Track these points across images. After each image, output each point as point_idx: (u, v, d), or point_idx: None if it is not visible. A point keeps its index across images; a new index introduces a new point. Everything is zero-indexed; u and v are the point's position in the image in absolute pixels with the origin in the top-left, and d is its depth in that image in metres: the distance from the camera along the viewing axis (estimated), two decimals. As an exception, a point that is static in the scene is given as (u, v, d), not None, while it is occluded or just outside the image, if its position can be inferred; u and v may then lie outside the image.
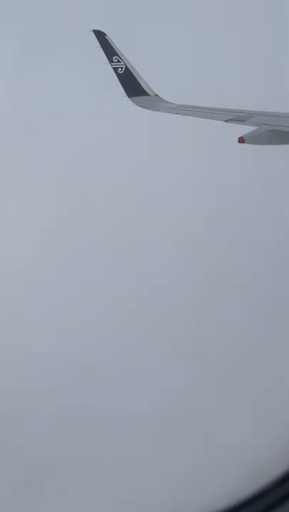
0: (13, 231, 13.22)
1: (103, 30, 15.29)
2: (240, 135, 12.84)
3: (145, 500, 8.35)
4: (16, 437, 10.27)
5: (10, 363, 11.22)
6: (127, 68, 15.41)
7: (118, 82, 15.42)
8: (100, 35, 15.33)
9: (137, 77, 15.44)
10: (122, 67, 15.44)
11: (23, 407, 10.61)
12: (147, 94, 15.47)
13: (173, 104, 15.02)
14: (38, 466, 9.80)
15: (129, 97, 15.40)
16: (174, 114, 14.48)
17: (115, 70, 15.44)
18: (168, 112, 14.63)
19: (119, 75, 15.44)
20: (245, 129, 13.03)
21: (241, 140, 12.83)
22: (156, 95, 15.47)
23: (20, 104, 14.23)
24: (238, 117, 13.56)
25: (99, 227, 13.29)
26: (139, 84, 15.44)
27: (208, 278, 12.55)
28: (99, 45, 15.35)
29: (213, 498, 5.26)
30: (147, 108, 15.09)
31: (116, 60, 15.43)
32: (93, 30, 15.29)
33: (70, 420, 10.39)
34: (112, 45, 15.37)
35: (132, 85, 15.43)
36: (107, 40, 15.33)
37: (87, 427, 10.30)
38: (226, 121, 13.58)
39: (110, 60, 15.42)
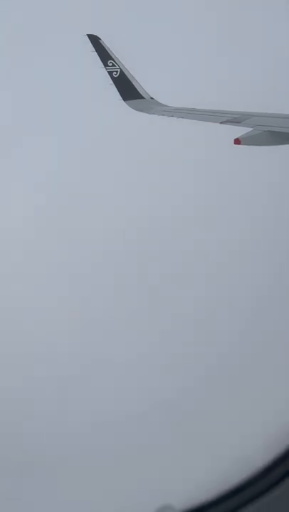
0: (9, 232, 13.18)
1: (97, 35, 15.33)
2: (236, 136, 12.84)
3: (137, 489, 8.32)
4: (14, 437, 10.21)
5: (5, 363, 11.16)
6: (121, 72, 15.42)
7: (113, 85, 15.45)
8: (95, 40, 15.36)
9: (132, 81, 15.44)
10: (116, 71, 15.44)
11: (20, 405, 10.57)
12: (142, 98, 15.45)
13: (168, 106, 15.01)
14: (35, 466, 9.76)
15: (124, 100, 15.40)
16: (170, 117, 14.46)
17: (110, 73, 15.44)
18: (163, 115, 14.62)
19: (114, 79, 15.44)
20: (240, 131, 13.03)
21: (237, 141, 12.81)
22: (152, 98, 15.47)
23: (18, 108, 14.24)
24: (233, 119, 13.54)
25: (98, 227, 13.28)
26: (134, 87, 15.44)
27: (208, 277, 12.54)
28: (93, 49, 15.40)
29: (203, 486, 5.22)
30: (143, 111, 15.06)
31: (111, 64, 15.44)
32: (88, 35, 15.32)
33: (69, 420, 10.37)
34: (107, 49, 15.40)
35: (127, 89, 15.42)
36: (101, 44, 15.36)
37: (84, 427, 10.26)
38: (221, 123, 13.56)
39: (105, 64, 15.43)
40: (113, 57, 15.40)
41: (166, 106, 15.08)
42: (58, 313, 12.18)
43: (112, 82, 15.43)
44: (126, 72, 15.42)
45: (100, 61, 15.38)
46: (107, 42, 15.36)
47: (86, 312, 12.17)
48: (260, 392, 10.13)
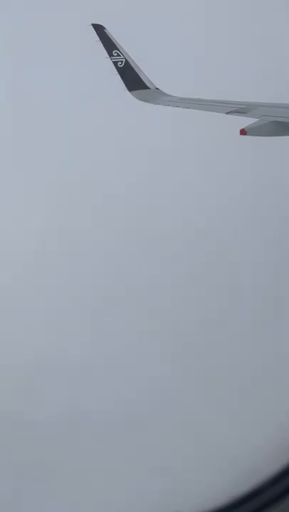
0: (8, 232, 13.14)
1: (102, 24, 15.19)
2: (242, 127, 12.77)
3: (140, 500, 8.30)
4: (13, 437, 10.23)
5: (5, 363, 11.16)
6: (126, 62, 15.34)
7: (118, 75, 15.36)
8: (99, 29, 15.24)
9: (137, 71, 15.36)
10: (121, 61, 15.36)
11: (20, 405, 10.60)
12: (148, 88, 15.38)
13: (174, 97, 14.95)
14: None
15: (129, 90, 15.32)
16: (175, 107, 14.41)
17: (115, 63, 15.36)
18: (169, 105, 14.57)
19: (119, 69, 15.36)
20: (246, 121, 12.95)
21: (243, 132, 12.84)
22: (157, 88, 15.39)
23: (19, 100, 14.15)
24: (239, 109, 13.51)
25: (98, 225, 13.22)
26: (140, 77, 15.36)
27: (208, 277, 12.46)
28: (98, 39, 15.28)
29: (211, 496, 5.15)
30: (148, 101, 15.02)
31: (116, 54, 15.35)
32: (92, 24, 15.20)
33: (60, 421, 10.37)
34: (112, 39, 15.28)
35: (132, 79, 15.34)
36: (106, 33, 15.24)
37: (77, 427, 10.27)
38: (227, 113, 13.52)
39: (110, 54, 15.34)
40: (118, 47, 15.30)
41: (171, 96, 15.02)
42: (57, 312, 12.18)
43: (116, 73, 15.37)
44: (131, 62, 15.34)
45: (105, 51, 15.32)
46: (112, 31, 15.24)
47: (86, 313, 12.14)
48: (267, 395, 10.09)
